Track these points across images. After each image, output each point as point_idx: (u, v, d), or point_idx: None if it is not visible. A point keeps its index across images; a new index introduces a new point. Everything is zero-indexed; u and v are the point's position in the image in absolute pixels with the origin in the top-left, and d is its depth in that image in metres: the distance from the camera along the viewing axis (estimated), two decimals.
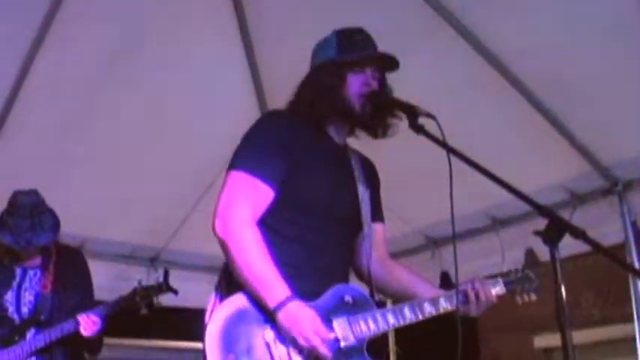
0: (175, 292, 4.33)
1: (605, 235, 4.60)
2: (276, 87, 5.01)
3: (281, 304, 2.34)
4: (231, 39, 4.80)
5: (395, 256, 2.97)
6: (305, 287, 2.44)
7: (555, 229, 2.09)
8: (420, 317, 2.58)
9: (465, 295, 2.66)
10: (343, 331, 2.44)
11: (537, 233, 2.11)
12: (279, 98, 4.92)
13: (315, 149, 2.65)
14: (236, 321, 2.39)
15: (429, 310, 2.59)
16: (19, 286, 3.98)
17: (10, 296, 3.95)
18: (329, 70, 2.68)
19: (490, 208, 5.27)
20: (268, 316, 2.38)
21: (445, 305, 2.61)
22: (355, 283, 2.68)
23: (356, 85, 2.67)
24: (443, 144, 2.39)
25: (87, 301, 4.07)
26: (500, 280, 2.79)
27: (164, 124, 5.00)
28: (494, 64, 4.32)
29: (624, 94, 4.20)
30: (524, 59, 4.28)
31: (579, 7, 3.93)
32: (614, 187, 4.73)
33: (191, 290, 4.44)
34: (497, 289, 2.76)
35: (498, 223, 5.35)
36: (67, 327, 3.83)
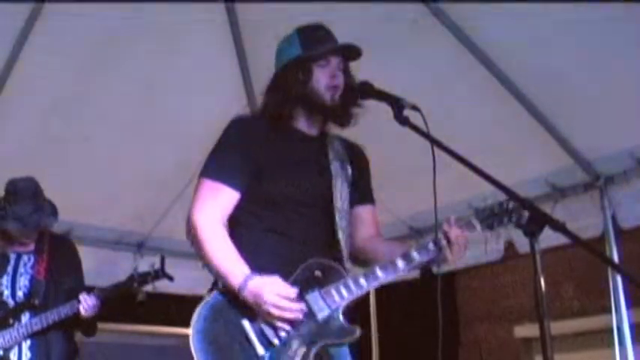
0: (171, 278, 4.35)
1: (585, 228, 4.69)
2: (264, 76, 5.01)
3: (243, 284, 2.47)
4: (220, 27, 4.82)
5: None
6: (276, 273, 2.53)
7: (535, 222, 2.13)
8: (394, 274, 2.56)
9: (438, 243, 2.58)
10: (317, 304, 2.52)
11: (518, 225, 2.14)
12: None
13: (280, 147, 2.74)
14: (214, 318, 2.52)
15: (401, 265, 2.56)
16: (15, 270, 4.03)
17: (5, 280, 4.01)
18: (296, 67, 2.76)
19: (472, 198, 5.27)
20: (241, 306, 2.50)
21: (418, 258, 2.57)
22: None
23: (323, 77, 2.74)
24: (427, 136, 2.43)
25: (79, 287, 4.12)
26: (472, 219, 2.71)
27: (151, 112, 5.01)
28: (480, 59, 4.36)
29: (608, 89, 4.24)
30: (509, 54, 4.32)
31: (565, 3, 3.96)
32: (595, 181, 4.79)
33: (176, 276, 4.45)
34: (472, 230, 2.69)
35: None
36: (64, 310, 3.89)
